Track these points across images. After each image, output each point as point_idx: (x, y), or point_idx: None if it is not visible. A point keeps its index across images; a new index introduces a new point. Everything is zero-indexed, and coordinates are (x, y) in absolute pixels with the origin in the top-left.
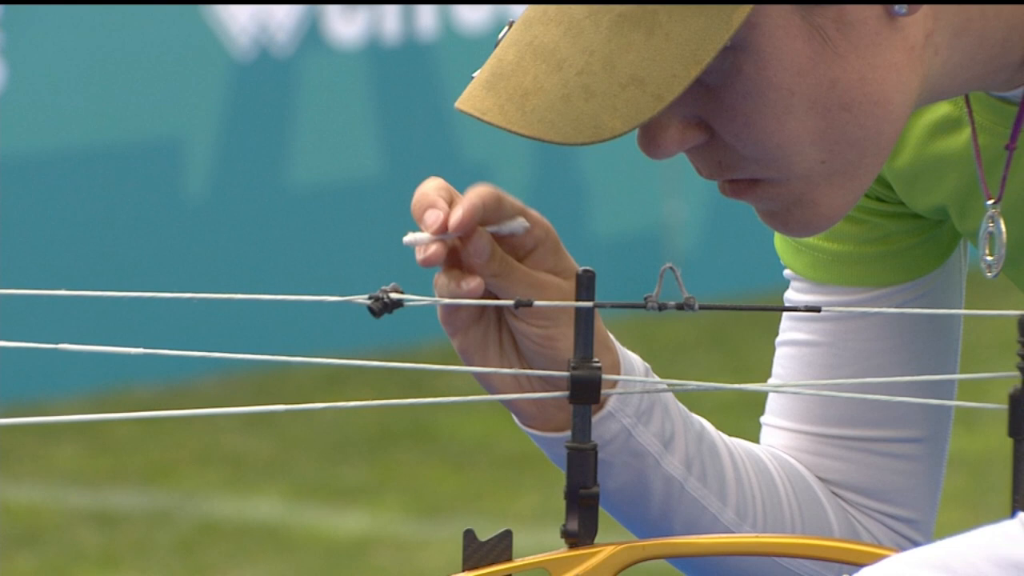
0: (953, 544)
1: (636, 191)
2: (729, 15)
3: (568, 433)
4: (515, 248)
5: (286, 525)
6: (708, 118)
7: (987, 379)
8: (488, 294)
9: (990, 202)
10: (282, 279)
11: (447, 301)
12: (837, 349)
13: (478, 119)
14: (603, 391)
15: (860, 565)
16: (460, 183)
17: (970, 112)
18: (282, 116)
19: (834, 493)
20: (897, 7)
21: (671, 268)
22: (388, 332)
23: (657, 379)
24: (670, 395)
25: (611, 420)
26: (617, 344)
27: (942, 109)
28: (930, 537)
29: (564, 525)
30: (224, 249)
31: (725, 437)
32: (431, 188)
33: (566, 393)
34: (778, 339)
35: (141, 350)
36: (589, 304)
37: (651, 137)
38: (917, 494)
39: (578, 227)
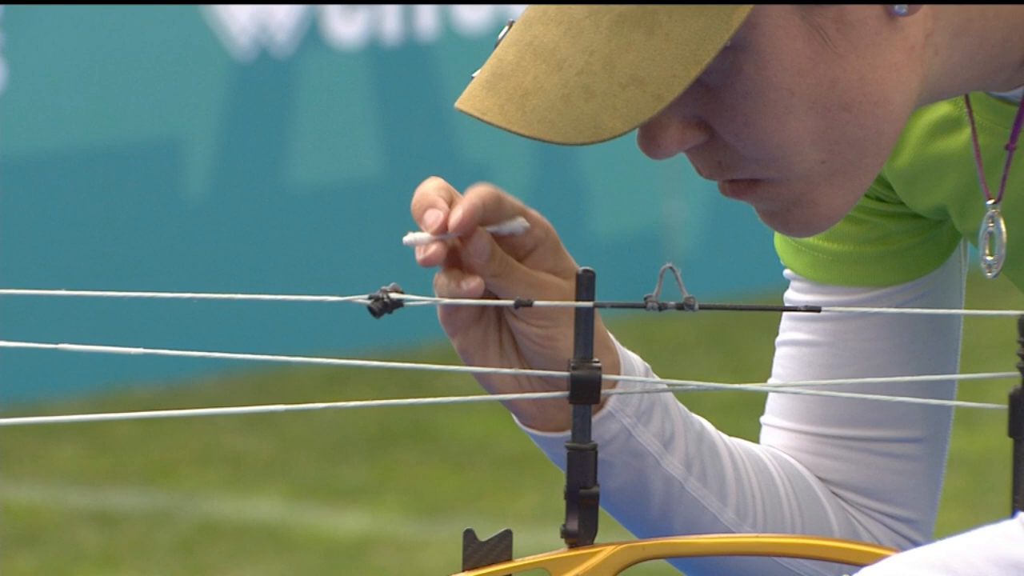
0: (953, 544)
1: (636, 191)
2: (729, 15)
3: (568, 433)
4: (515, 248)
5: (286, 525)
6: (708, 118)
7: (987, 379)
8: (488, 294)
9: (990, 202)
10: (282, 279)
11: (447, 301)
12: (837, 349)
13: (478, 119)
14: (603, 391)
15: (860, 565)
16: (460, 183)
17: (970, 112)
18: (282, 116)
19: (834, 493)
20: (897, 7)
21: (671, 268)
22: (388, 332)
23: (657, 379)
24: (670, 395)
25: (611, 420)
26: (617, 344)
27: (942, 109)
28: (930, 537)
29: (564, 525)
30: (224, 249)
31: (725, 437)
32: (431, 188)
33: (566, 393)
34: (778, 339)
35: (141, 350)
36: (589, 304)
37: (651, 137)
38: (917, 494)
39: (578, 227)
